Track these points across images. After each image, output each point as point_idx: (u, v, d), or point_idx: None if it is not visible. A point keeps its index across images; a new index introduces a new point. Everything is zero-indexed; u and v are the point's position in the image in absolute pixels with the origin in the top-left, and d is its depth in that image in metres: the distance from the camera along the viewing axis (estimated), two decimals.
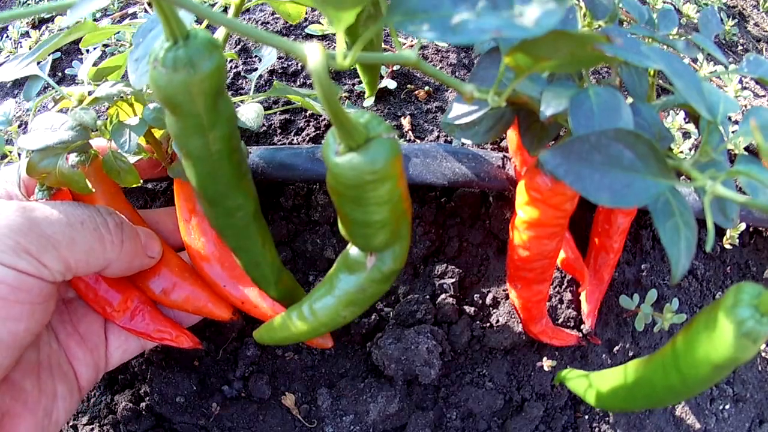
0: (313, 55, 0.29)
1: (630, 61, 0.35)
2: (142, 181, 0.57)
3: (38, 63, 0.56)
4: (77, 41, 0.73)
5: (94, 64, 0.59)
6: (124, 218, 0.54)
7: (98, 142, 0.56)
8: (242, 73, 0.79)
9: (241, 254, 0.52)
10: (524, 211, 0.48)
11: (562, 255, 0.65)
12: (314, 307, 0.49)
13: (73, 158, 0.52)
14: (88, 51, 0.97)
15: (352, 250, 0.46)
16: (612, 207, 0.33)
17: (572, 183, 0.32)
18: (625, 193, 0.32)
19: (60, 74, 0.97)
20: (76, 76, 0.86)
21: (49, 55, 0.52)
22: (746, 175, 0.34)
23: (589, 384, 0.54)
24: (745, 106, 0.84)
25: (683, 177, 0.69)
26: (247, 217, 0.48)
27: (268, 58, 0.65)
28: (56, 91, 0.55)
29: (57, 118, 0.51)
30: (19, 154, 0.54)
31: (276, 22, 0.88)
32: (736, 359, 0.36)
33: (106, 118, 0.54)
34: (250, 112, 0.59)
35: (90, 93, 0.53)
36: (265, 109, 0.76)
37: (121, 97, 0.53)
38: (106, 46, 0.93)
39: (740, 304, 0.35)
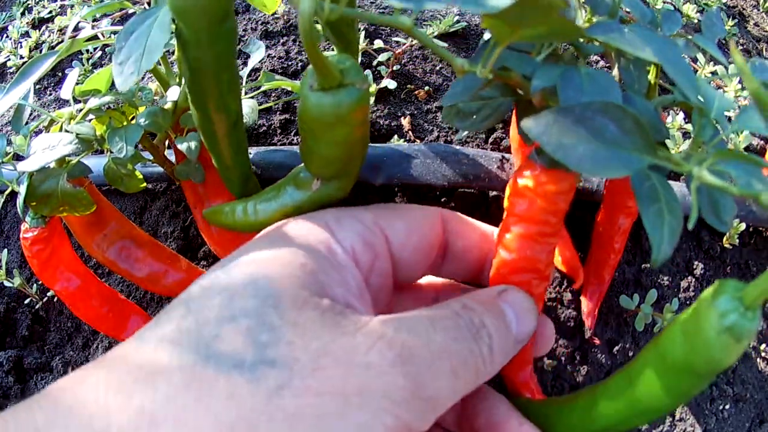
0: (304, 2, 0.34)
1: (619, 46, 0.35)
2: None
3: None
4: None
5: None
6: (498, 331, 0.40)
7: None
8: (242, 76, 0.79)
9: (215, 157, 0.55)
10: (514, 203, 0.45)
11: (558, 256, 0.65)
12: (258, 207, 0.52)
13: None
14: (80, 59, 0.97)
15: (304, 171, 0.49)
16: (593, 176, 0.32)
17: (553, 152, 0.32)
18: (607, 164, 0.32)
19: (60, 74, 0.97)
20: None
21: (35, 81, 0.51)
22: (734, 157, 0.32)
23: (538, 411, 0.48)
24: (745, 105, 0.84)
25: (682, 177, 0.68)
26: (227, 126, 0.51)
27: (257, 53, 0.66)
28: (45, 117, 0.55)
29: (54, 137, 0.51)
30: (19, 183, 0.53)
31: (276, 22, 0.88)
32: (716, 362, 0.33)
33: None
34: (244, 107, 0.60)
35: (79, 111, 0.54)
36: (264, 106, 0.76)
37: (110, 106, 0.53)
38: (106, 46, 0.93)
39: (721, 295, 0.33)
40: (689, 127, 0.76)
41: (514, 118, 0.64)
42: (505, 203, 0.46)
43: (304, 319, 0.34)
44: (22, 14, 1.12)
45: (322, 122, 0.40)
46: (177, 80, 0.59)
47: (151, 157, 0.61)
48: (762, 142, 0.83)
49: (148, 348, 0.33)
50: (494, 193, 0.70)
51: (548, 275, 0.46)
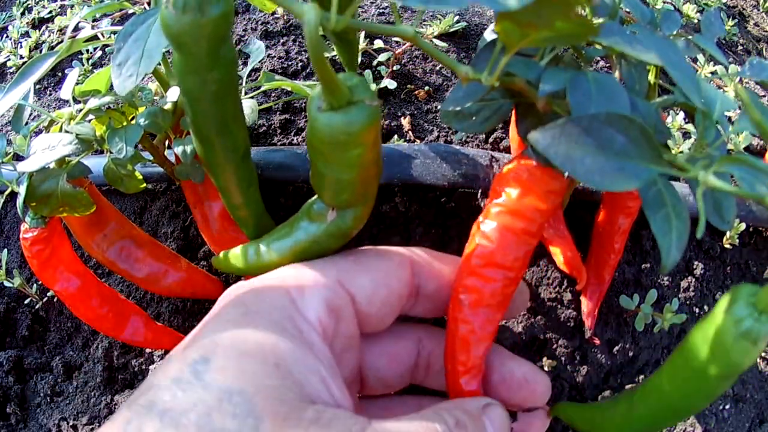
0: (308, 13, 0.33)
1: (623, 50, 0.35)
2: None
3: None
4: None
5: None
6: (466, 409, 0.43)
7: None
8: (242, 76, 0.79)
9: (224, 194, 0.52)
10: (502, 192, 0.44)
11: (560, 256, 0.65)
12: (271, 247, 0.50)
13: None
14: (79, 59, 0.97)
15: (317, 202, 0.47)
16: (602, 189, 0.32)
17: (562, 165, 0.32)
18: (616, 176, 0.32)
19: (60, 74, 0.97)
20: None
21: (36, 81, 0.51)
22: (739, 162, 0.33)
23: (584, 415, 0.51)
24: None
25: (682, 179, 0.68)
26: (235, 158, 0.48)
27: (257, 53, 0.66)
28: (45, 117, 0.55)
29: (54, 137, 0.51)
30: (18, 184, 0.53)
31: (276, 22, 0.88)
32: (736, 365, 0.34)
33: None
34: (244, 108, 0.59)
35: (79, 111, 0.53)
36: (264, 106, 0.77)
37: (110, 106, 0.53)
38: (106, 46, 0.93)
39: (736, 303, 0.34)
40: (689, 127, 0.76)
41: (513, 119, 0.64)
42: (491, 192, 0.45)
43: None
44: (22, 14, 1.12)
45: (334, 143, 0.38)
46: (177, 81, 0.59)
47: (151, 158, 0.61)
48: (762, 142, 0.83)
49: None
50: None
51: (519, 278, 0.45)
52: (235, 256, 0.53)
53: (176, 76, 0.42)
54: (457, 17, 0.86)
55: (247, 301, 0.40)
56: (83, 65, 0.92)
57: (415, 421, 0.38)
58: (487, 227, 0.44)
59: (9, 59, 1.03)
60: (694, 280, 0.72)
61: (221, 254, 0.56)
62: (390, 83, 0.77)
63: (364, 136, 0.38)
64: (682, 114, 0.77)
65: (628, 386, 0.66)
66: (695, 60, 0.85)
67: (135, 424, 0.32)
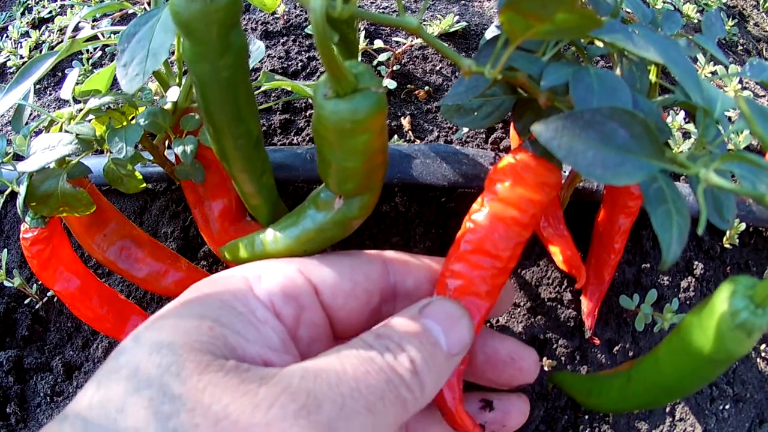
0: (315, 1, 0.33)
1: (625, 47, 0.35)
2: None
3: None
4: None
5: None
6: (422, 351, 0.38)
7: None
8: None
9: (237, 183, 0.53)
10: (497, 181, 0.44)
11: (559, 255, 0.65)
12: (278, 236, 0.50)
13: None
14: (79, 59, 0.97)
15: (324, 190, 0.47)
16: (604, 183, 0.32)
17: (564, 157, 0.32)
18: (618, 170, 0.32)
19: (60, 74, 0.97)
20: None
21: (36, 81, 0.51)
22: (741, 160, 0.33)
23: (582, 386, 0.52)
24: None
25: (682, 178, 0.68)
26: (248, 145, 0.48)
27: (257, 53, 0.66)
28: (45, 117, 0.55)
29: (54, 137, 0.51)
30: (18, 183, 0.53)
31: (276, 22, 0.88)
32: (730, 353, 0.35)
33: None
34: None
35: (79, 111, 0.54)
36: (264, 106, 0.77)
37: (110, 107, 0.53)
38: (106, 46, 0.93)
39: (735, 294, 0.34)
40: (689, 126, 0.76)
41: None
42: (487, 183, 0.45)
43: (205, 383, 0.33)
44: (22, 14, 1.12)
45: (340, 131, 0.39)
46: (177, 80, 0.59)
47: (151, 157, 0.61)
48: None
49: (66, 427, 0.33)
50: None
51: (509, 269, 0.45)
52: (243, 245, 0.53)
53: (187, 65, 0.42)
54: (457, 17, 0.86)
55: (203, 286, 0.42)
56: (83, 65, 0.92)
57: (332, 355, 0.37)
58: (478, 215, 0.44)
59: (9, 59, 1.03)
60: (694, 280, 0.72)
61: (227, 245, 0.56)
62: (390, 83, 0.77)
63: (370, 124, 0.38)
64: (682, 114, 0.77)
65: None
66: (695, 60, 0.85)
67: (87, 387, 0.35)
